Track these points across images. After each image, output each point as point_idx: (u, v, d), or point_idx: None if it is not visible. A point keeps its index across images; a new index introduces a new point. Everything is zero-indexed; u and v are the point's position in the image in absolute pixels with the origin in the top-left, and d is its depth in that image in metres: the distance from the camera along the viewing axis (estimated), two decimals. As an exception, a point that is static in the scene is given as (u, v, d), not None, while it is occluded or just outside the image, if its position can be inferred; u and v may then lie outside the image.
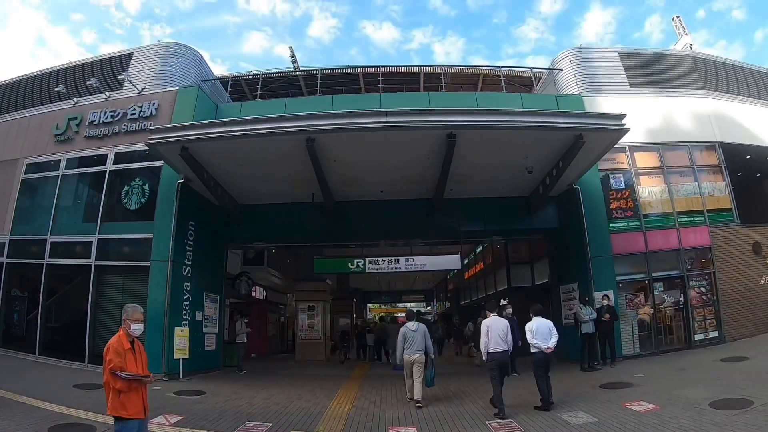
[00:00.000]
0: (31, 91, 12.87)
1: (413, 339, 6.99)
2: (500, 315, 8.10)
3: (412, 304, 32.26)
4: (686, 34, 18.11)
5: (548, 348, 6.26)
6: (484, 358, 6.54)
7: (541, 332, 6.37)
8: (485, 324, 6.51)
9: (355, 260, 9.75)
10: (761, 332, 10.83)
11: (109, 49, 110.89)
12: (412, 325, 7.19)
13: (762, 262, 11.63)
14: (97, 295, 10.13)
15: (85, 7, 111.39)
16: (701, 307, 11.00)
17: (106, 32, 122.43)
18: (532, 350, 6.42)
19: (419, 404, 6.73)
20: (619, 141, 8.80)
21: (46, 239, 10.88)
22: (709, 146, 11.93)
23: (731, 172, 11.85)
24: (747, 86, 13.30)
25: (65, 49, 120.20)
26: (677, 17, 18.63)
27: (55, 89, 11.48)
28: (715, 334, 10.81)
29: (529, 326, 6.52)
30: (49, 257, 10.77)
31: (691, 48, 16.54)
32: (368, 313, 31.92)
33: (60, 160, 11.44)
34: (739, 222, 11.61)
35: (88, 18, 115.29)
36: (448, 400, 7.24)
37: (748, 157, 12.57)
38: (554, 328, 6.53)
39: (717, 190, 11.72)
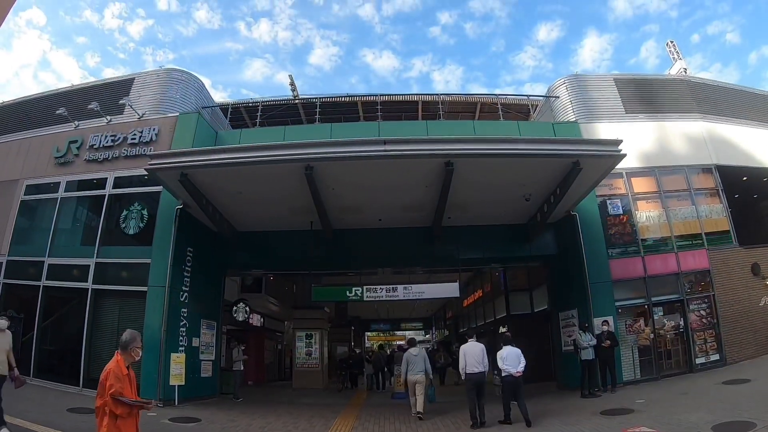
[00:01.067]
0: (33, 112, 12.95)
1: (415, 362, 8.06)
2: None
3: (411, 332, 31.86)
4: (680, 59, 18.39)
5: (517, 372, 7.00)
6: (462, 377, 7.47)
7: (510, 359, 7.14)
8: (463, 349, 7.46)
9: (354, 288, 9.70)
10: (762, 354, 10.74)
11: (112, 73, 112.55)
12: (414, 350, 8.35)
13: (761, 283, 11.59)
14: (93, 318, 10.05)
15: (89, 31, 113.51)
16: (702, 331, 10.94)
17: (110, 56, 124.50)
18: (502, 374, 7.19)
19: (420, 416, 7.77)
20: (616, 166, 8.82)
21: (43, 261, 10.83)
22: (706, 169, 12.01)
23: (728, 195, 11.89)
24: (742, 108, 13.44)
25: (68, 71, 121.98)
26: (671, 42, 19.01)
27: (57, 112, 11.56)
28: (716, 357, 10.74)
29: (500, 354, 7.30)
30: (47, 279, 10.71)
31: (685, 72, 16.80)
32: (366, 341, 31.57)
33: (60, 183, 11.45)
34: (737, 244, 11.61)
35: (91, 42, 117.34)
36: (447, 429, 7.13)
37: (745, 179, 12.62)
38: (522, 355, 7.26)
39: (714, 213, 11.76)
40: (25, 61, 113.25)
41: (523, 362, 7.09)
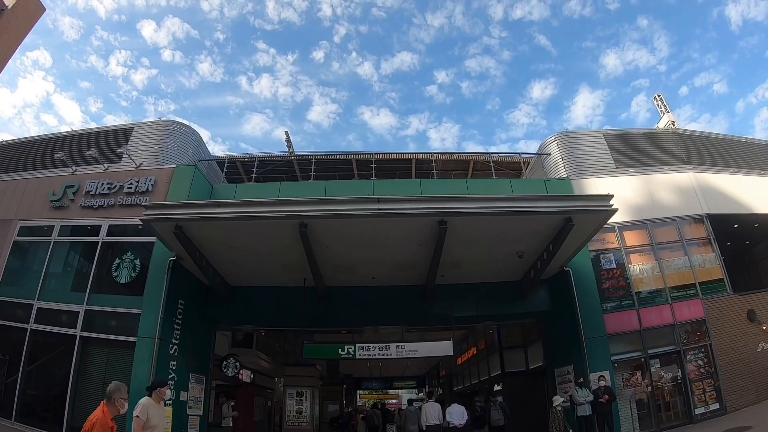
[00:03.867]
0: (32, 154, 13.05)
1: (411, 417, 10.75)
2: (493, 402, 8.89)
3: (404, 390, 31.30)
4: (668, 112, 18.86)
5: (460, 424, 9.47)
6: (424, 429, 9.79)
7: (455, 414, 9.64)
8: (424, 407, 10.05)
9: (346, 346, 9.55)
10: (763, 399, 10.64)
11: (113, 120, 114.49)
12: (411, 408, 11.43)
13: (758, 328, 11.57)
14: (80, 366, 9.84)
15: (93, 77, 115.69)
16: (700, 380, 10.86)
17: (112, 103, 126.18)
18: (450, 425, 9.59)
19: None
20: (608, 221, 8.90)
21: (32, 304, 10.66)
22: (697, 219, 12.13)
23: (720, 243, 11.96)
24: (730, 157, 13.72)
25: (70, 115, 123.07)
26: (658, 96, 19.48)
27: (55, 156, 11.66)
28: (716, 406, 10.62)
29: (448, 410, 9.82)
30: (35, 323, 10.52)
31: (673, 125, 17.22)
32: (359, 399, 30.83)
33: (53, 226, 11.40)
34: (731, 291, 11.63)
35: (95, 87, 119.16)
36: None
37: (736, 226, 12.79)
38: (466, 411, 9.82)
39: (707, 262, 11.81)
40: (29, 100, 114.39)
41: (466, 416, 9.67)
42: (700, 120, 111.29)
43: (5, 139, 14.49)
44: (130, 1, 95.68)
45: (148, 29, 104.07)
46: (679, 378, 10.80)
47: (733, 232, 12.79)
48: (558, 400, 9.30)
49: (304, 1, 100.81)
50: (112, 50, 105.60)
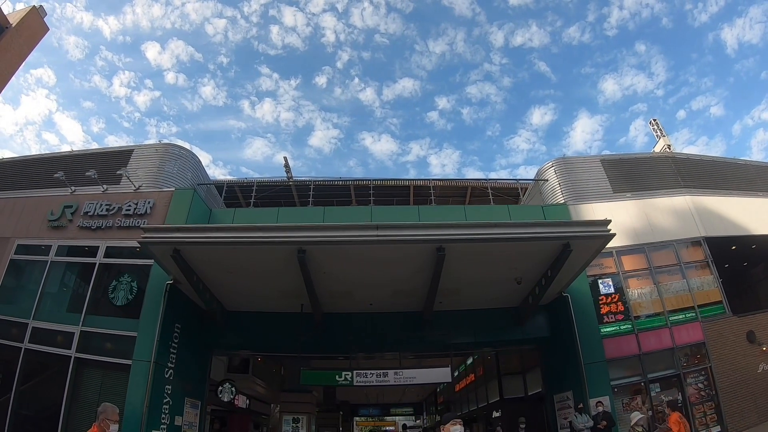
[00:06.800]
0: (31, 173, 13.06)
1: None
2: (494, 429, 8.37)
3: (401, 417, 31.02)
4: (664, 136, 19.00)
5: None
6: None
7: None
8: None
9: (343, 373, 9.46)
10: (765, 420, 10.57)
11: (115, 140, 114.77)
12: None
13: (758, 350, 11.54)
14: (74, 388, 9.72)
15: (96, 97, 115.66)
16: (701, 404, 10.81)
17: (114, 123, 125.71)
18: None
19: None
20: (606, 246, 8.93)
21: (27, 323, 10.56)
22: (695, 242, 12.16)
23: (718, 265, 11.98)
24: (725, 179, 13.81)
25: (71, 134, 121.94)
26: (654, 120, 19.65)
27: (55, 175, 11.69)
28: (717, 428, 10.54)
29: None
30: (29, 342, 10.40)
31: (669, 148, 17.33)
32: (355, 426, 30.52)
33: (51, 246, 11.37)
34: (730, 313, 11.62)
35: (98, 107, 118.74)
36: None
37: (734, 248, 12.81)
38: None
39: (706, 285, 11.82)
40: (31, 118, 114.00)
41: None
42: (698, 143, 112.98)
43: (5, 157, 14.52)
44: (135, 22, 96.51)
45: (152, 51, 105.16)
46: (679, 401, 10.69)
47: (731, 254, 12.80)
48: (636, 416, 8.47)
49: (307, 26, 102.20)
50: (115, 71, 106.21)
